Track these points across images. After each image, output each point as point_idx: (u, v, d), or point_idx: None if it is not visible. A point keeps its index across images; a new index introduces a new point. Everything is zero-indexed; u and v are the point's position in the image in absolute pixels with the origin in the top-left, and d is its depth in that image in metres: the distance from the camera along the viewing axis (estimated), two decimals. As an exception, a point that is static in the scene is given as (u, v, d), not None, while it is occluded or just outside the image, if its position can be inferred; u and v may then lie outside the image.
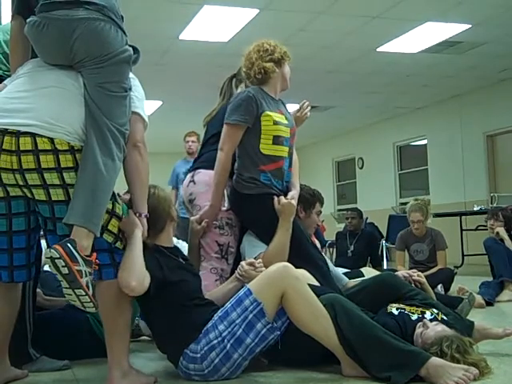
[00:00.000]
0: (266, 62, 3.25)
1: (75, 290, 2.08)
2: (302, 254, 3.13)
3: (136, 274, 2.32)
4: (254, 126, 3.18)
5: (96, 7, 2.25)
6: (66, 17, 2.21)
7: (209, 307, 2.62)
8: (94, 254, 2.18)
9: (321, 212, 3.81)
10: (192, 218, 3.25)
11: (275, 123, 3.20)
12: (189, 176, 3.39)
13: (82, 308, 2.15)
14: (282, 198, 3.16)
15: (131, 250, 2.35)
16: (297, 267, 2.66)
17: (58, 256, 2.04)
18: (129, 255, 2.35)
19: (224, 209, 3.22)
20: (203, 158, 3.39)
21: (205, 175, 3.28)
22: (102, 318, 2.41)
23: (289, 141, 3.28)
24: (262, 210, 3.16)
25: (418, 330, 2.62)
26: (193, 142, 7.23)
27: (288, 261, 2.70)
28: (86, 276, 2.10)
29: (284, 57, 3.31)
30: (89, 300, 2.11)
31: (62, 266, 2.04)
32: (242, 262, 2.88)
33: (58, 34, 2.23)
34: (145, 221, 2.45)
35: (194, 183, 3.33)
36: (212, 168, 3.21)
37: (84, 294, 2.09)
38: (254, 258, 3.07)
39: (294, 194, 3.27)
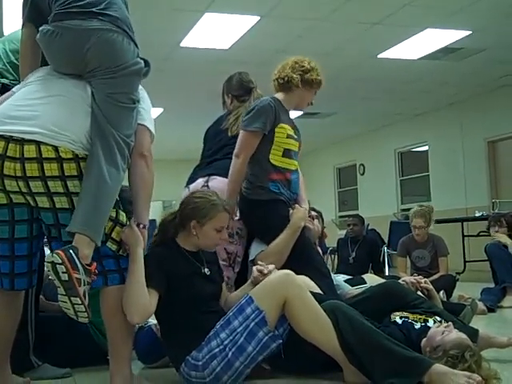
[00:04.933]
0: (295, 74, 3.25)
1: (71, 298, 2.06)
2: (306, 260, 3.15)
3: (139, 309, 2.31)
4: (268, 136, 3.19)
5: (110, 19, 2.27)
6: (80, 27, 2.22)
7: (215, 315, 2.56)
8: (94, 264, 2.16)
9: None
10: None
11: (288, 136, 3.24)
12: (202, 180, 3.38)
13: (75, 317, 2.12)
14: (297, 205, 3.24)
15: (133, 277, 2.31)
16: (300, 274, 2.65)
17: (59, 261, 2.02)
18: (131, 283, 2.31)
19: (236, 218, 3.23)
20: (219, 165, 3.39)
21: (220, 182, 3.29)
22: (106, 324, 2.39)
23: (297, 154, 3.32)
24: (270, 215, 3.18)
25: (439, 329, 2.58)
26: None
27: (292, 267, 2.69)
28: (85, 285, 2.08)
29: (313, 82, 3.30)
30: (84, 309, 2.09)
31: (63, 273, 2.03)
32: (254, 267, 2.87)
33: (71, 43, 2.24)
34: (146, 232, 2.42)
35: (209, 188, 3.32)
36: (227, 176, 3.22)
37: (80, 303, 2.07)
38: (255, 256, 3.10)
39: (306, 206, 3.35)
